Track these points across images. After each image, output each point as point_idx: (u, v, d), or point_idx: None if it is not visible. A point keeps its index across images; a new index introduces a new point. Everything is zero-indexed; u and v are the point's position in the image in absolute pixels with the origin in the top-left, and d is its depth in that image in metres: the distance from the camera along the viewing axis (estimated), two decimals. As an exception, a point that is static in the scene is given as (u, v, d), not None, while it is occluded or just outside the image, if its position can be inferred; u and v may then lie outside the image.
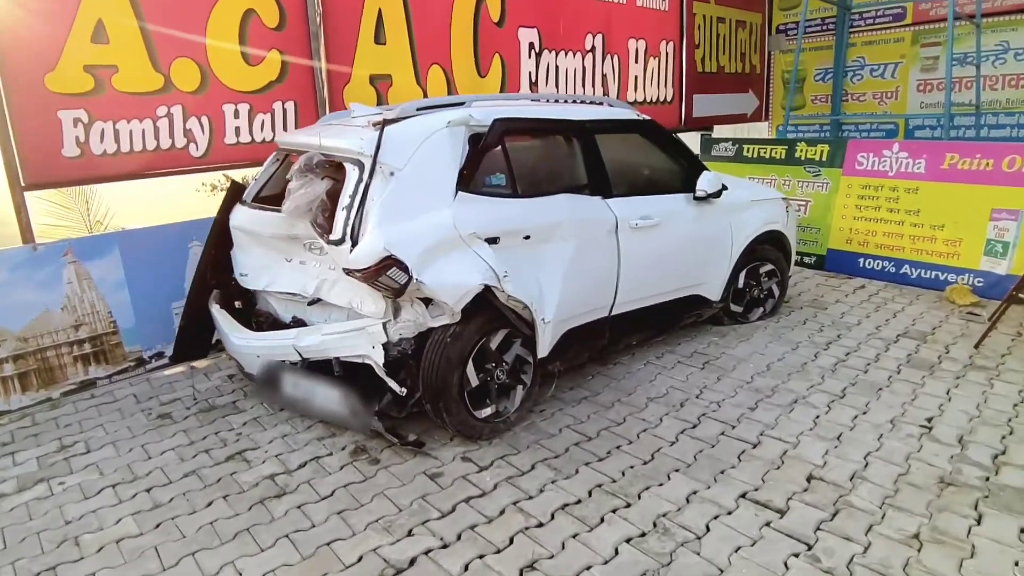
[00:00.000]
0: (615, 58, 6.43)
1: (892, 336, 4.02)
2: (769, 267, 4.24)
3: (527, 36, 5.61)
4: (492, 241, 2.71)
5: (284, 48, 4.27)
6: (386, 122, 2.64)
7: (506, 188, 2.82)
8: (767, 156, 6.03)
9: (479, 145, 2.72)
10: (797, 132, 8.00)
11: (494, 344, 2.86)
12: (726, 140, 6.41)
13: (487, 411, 2.89)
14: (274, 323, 3.22)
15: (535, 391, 3.11)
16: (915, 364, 3.60)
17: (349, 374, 2.82)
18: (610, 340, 3.49)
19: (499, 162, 2.80)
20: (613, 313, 3.37)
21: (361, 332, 2.71)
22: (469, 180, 2.67)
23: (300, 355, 2.82)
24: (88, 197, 5.13)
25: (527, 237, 2.81)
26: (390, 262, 2.48)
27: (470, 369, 2.78)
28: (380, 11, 4.64)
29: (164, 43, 3.81)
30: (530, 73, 5.68)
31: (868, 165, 5.36)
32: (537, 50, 5.71)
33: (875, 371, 3.52)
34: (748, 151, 6.18)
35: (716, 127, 7.86)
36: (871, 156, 5.35)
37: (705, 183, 3.53)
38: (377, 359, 2.69)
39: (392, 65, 4.79)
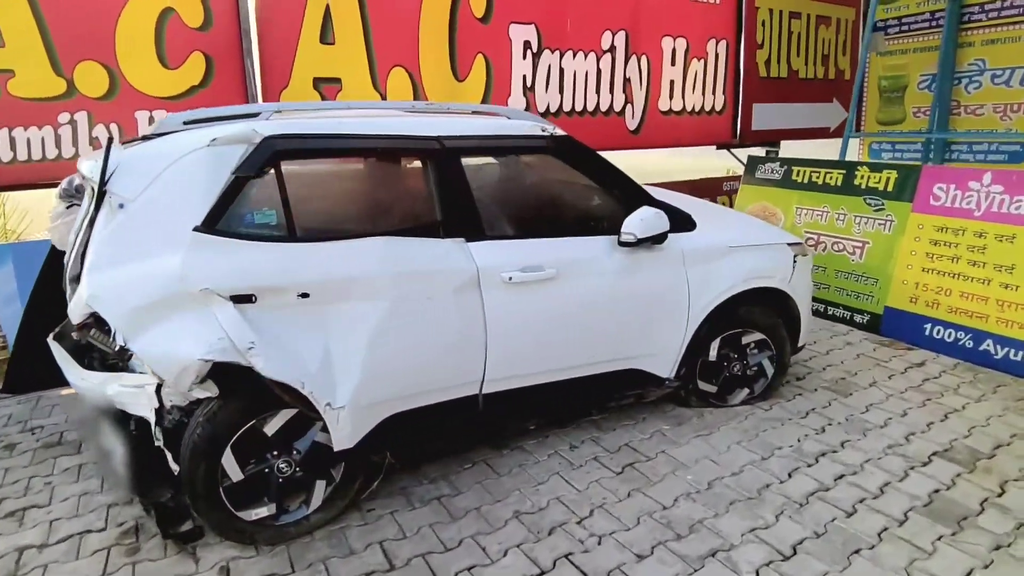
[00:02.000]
0: (643, 59, 5.45)
1: (924, 454, 2.80)
2: (757, 336, 3.16)
3: (521, 33, 4.83)
4: (245, 299, 2.02)
5: (209, 49, 3.86)
6: (134, 140, 2.06)
7: (276, 229, 2.11)
8: (820, 182, 4.77)
9: (237, 172, 2.04)
10: (894, 152, 6.48)
11: (272, 429, 2.19)
12: (773, 160, 5.20)
13: (261, 511, 2.22)
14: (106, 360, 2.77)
15: (353, 488, 2.39)
16: (936, 513, 2.41)
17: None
18: (488, 423, 2.67)
19: (270, 194, 2.10)
20: (488, 391, 2.55)
21: (141, 391, 2.16)
22: (217, 218, 2.01)
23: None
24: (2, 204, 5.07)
25: (304, 295, 2.09)
26: (91, 320, 1.89)
27: (228, 460, 2.13)
28: (328, 5, 4.10)
29: (67, 45, 3.52)
30: (525, 77, 4.90)
31: (947, 200, 4.00)
32: (535, 50, 4.91)
33: (865, 515, 2.39)
34: (798, 175, 4.94)
35: (784, 142, 6.56)
36: (952, 189, 3.98)
37: (635, 224, 2.58)
38: (154, 425, 2.13)
39: (342, 67, 4.23)
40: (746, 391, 3.26)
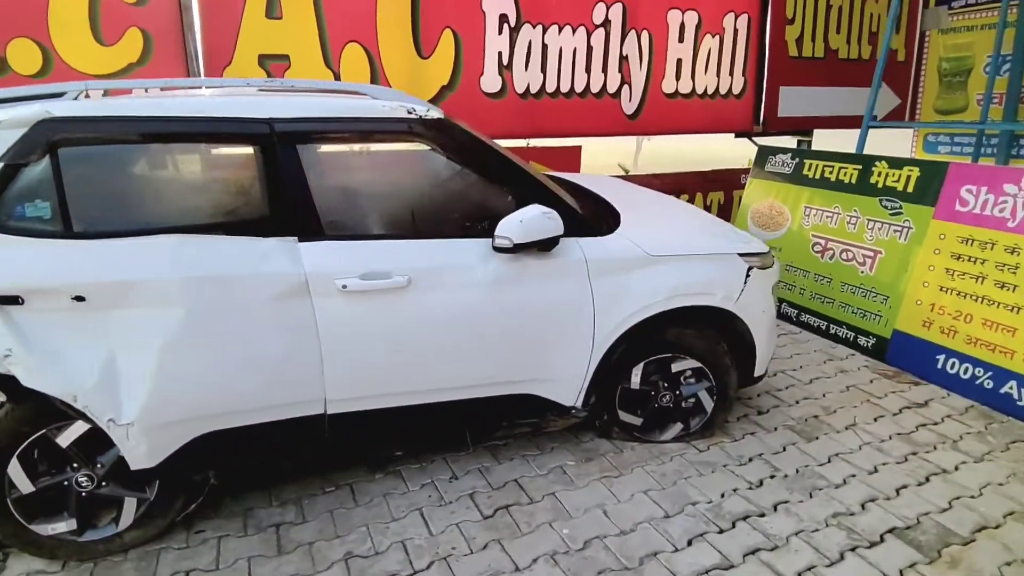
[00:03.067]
0: (643, 35, 4.87)
1: (877, 530, 2.22)
2: (692, 364, 2.64)
3: (496, 5, 4.38)
4: (10, 301, 1.77)
5: (147, 25, 3.67)
6: None
7: (49, 223, 1.84)
8: (832, 178, 4.08)
9: (5, 158, 1.79)
10: (953, 146, 5.57)
11: (66, 440, 1.95)
12: (784, 152, 4.52)
13: (59, 526, 2.01)
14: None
15: (173, 507, 2.14)
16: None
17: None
18: (343, 446, 2.35)
19: (45, 184, 1.83)
20: (335, 412, 2.21)
21: None
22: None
23: None
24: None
25: (79, 298, 1.81)
26: None
27: (15, 470, 1.92)
28: (274, -23, 3.83)
29: (-2, 20, 3.43)
30: (500, 54, 4.45)
31: (976, 206, 3.27)
32: (513, 24, 4.45)
33: (762, 606, 1.89)
34: (809, 169, 4.26)
35: (820, 133, 5.77)
36: (983, 192, 3.25)
37: (512, 227, 2.14)
38: None
39: (290, 43, 3.96)
40: (679, 427, 2.76)
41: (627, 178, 5.30)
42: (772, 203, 4.50)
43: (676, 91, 5.10)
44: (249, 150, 2.05)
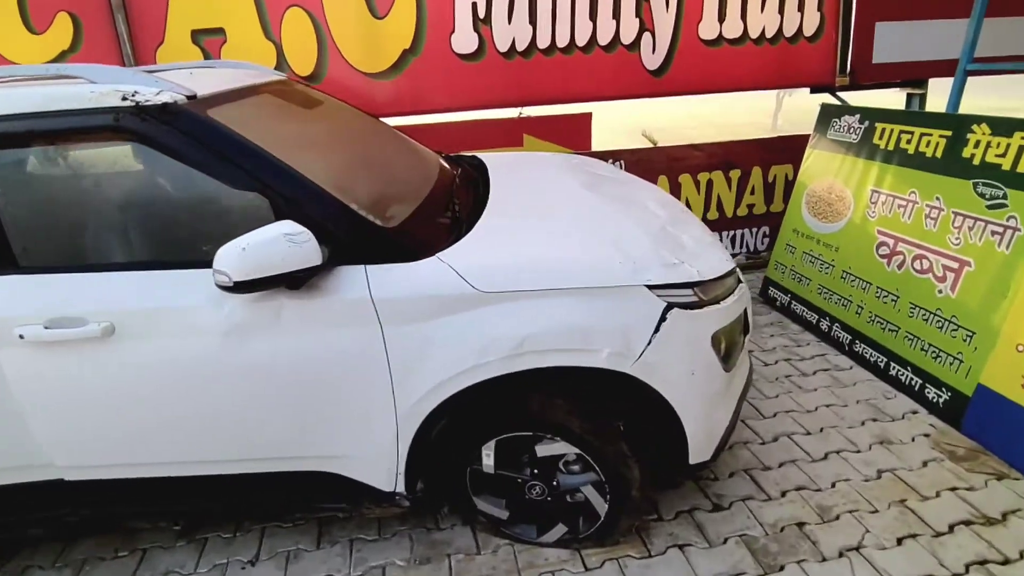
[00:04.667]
0: (671, -34, 3.76)
1: None
2: (569, 451, 1.80)
3: (467, -53, 3.57)
4: None
5: (75, 8, 3.40)
6: None
7: None
8: (910, 149, 2.81)
9: None
10: None
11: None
12: (852, 112, 3.24)
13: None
14: None
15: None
16: None
17: None
18: (89, 516, 1.89)
19: None
20: (76, 478, 1.76)
21: None
22: None
23: None
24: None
25: None
26: None
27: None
28: (197, -62, 3.37)
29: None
30: (475, 5, 3.64)
31: None
32: (490, -33, 3.61)
33: None
34: (882, 137, 2.99)
35: (937, 82, 4.21)
36: None
37: (231, 258, 1.45)
38: None
39: (224, 14, 3.49)
40: (564, 528, 1.93)
41: (655, 150, 4.25)
42: (832, 184, 3.28)
43: (719, 36, 3.92)
44: None
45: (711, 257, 1.91)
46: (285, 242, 1.49)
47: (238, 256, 1.47)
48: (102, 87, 1.65)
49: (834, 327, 3.11)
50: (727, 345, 1.86)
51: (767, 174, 4.22)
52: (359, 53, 3.64)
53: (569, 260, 1.74)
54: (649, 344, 1.70)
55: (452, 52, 3.70)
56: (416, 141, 2.91)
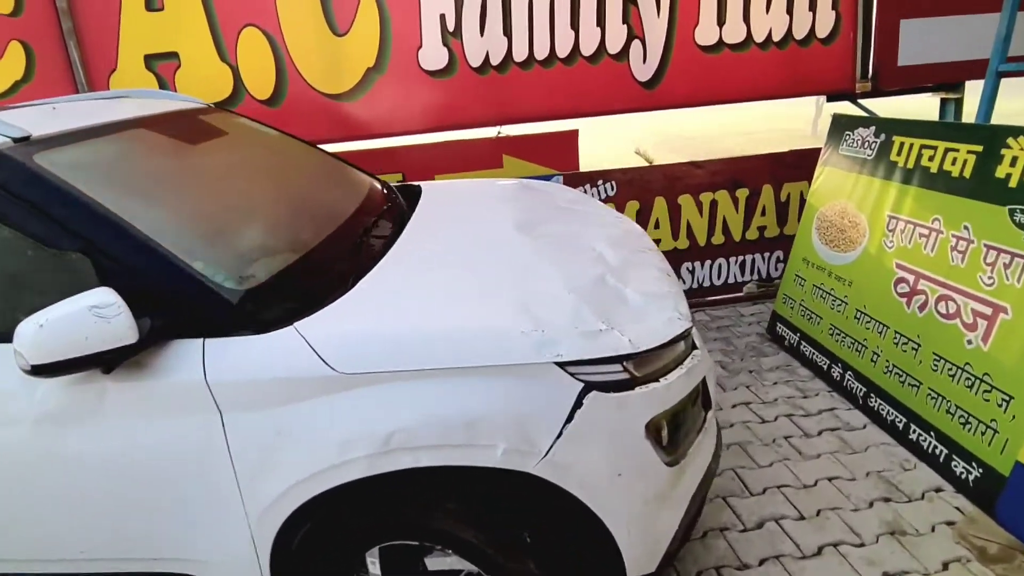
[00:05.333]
0: (662, -35, 3.38)
1: None
2: (465, 567, 1.44)
3: (433, -46, 3.28)
4: None
5: (26, 36, 3.26)
6: None
7: None
8: (933, 168, 2.35)
9: None
10: None
11: None
12: (866, 123, 2.79)
13: None
14: None
15: None
16: None
17: None
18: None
19: None
20: None
21: None
22: None
23: None
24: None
25: None
26: None
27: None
28: (147, -40, 3.18)
29: None
30: (443, 17, 3.34)
31: None
32: (459, -24, 3.31)
33: None
34: (901, 152, 2.53)
35: (974, 85, 3.68)
36: None
37: (25, 338, 1.18)
38: None
39: (177, 37, 3.29)
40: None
41: (649, 169, 3.85)
42: (845, 207, 2.83)
43: (719, 41, 3.51)
44: None
45: (654, 318, 1.53)
46: (91, 316, 1.20)
47: (34, 334, 1.19)
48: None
49: (847, 376, 2.66)
50: (672, 431, 1.48)
51: (779, 192, 3.77)
52: (320, 73, 3.39)
53: (455, 331, 1.39)
54: (559, 438, 1.34)
55: (420, 69, 3.41)
56: (363, 170, 2.63)
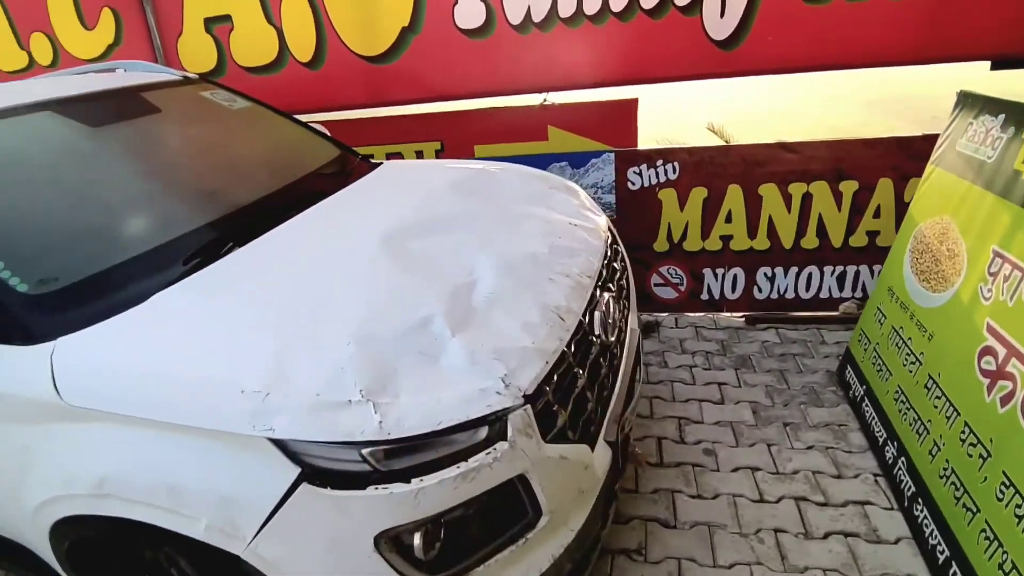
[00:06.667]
0: None
1: None
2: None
3: None
4: None
5: (115, 4, 3.54)
6: None
7: None
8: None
9: None
10: None
11: None
12: (996, 106, 1.88)
13: None
14: None
15: None
16: None
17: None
18: None
19: None
20: None
21: None
22: None
23: None
24: None
25: None
26: None
27: None
28: (202, -79, 3.21)
29: (21, 19, 3.74)
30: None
31: None
32: (499, -83, 2.85)
33: None
34: (1029, 158, 1.67)
35: None
36: None
37: None
38: None
39: (230, 1, 3.33)
40: None
41: (724, 150, 3.11)
42: (947, 227, 2.00)
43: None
44: None
45: (456, 390, 1.15)
46: None
47: None
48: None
49: (899, 462, 1.93)
50: (440, 542, 1.12)
51: (901, 189, 2.83)
52: (356, 34, 3.22)
53: (182, 379, 1.16)
54: (264, 527, 1.07)
55: (455, 28, 3.07)
56: (341, 145, 2.45)
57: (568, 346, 1.40)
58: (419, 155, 3.48)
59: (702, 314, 3.30)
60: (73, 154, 1.74)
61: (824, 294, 3.10)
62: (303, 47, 3.31)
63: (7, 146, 1.65)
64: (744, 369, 2.76)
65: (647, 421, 2.46)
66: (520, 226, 1.77)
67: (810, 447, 2.20)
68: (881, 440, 2.08)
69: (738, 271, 3.17)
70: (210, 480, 1.10)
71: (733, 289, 3.22)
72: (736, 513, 1.95)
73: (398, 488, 1.06)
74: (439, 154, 3.46)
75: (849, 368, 2.46)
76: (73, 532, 1.28)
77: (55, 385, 1.19)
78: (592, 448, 1.42)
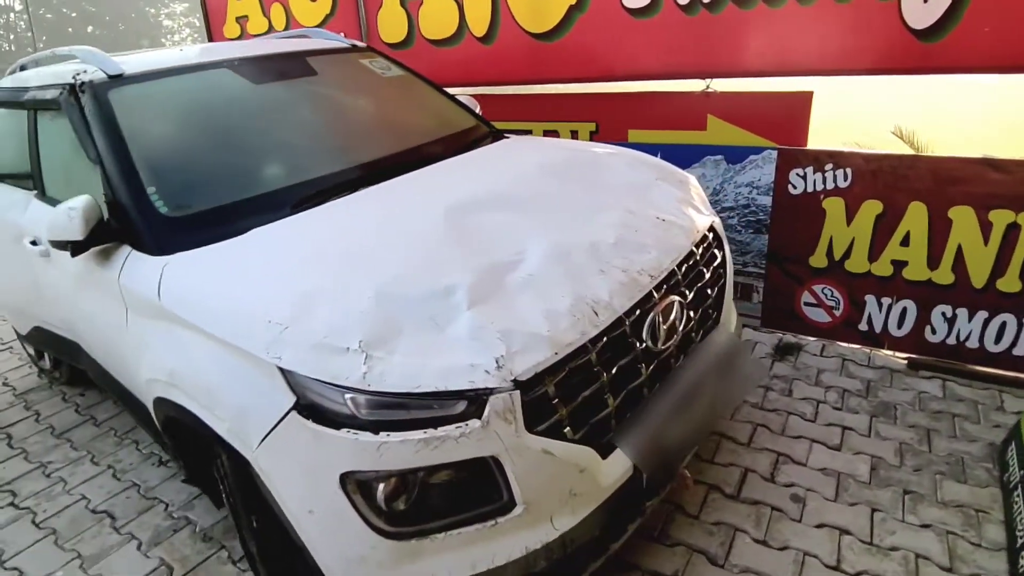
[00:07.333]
0: None
1: None
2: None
3: None
4: None
5: (328, -21, 4.05)
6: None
7: None
8: None
9: None
10: None
11: None
12: None
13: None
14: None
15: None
16: None
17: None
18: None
19: None
20: None
21: None
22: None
23: None
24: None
25: None
26: None
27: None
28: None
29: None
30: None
31: None
32: None
33: None
34: None
35: None
36: None
37: (45, 220, 1.70)
38: None
39: (423, -31, 3.59)
40: None
41: (911, 160, 2.59)
42: None
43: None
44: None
45: (444, 360, 1.19)
46: (64, 215, 1.62)
47: (49, 219, 1.66)
48: (72, 67, 2.02)
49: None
50: (402, 499, 1.17)
51: None
52: (527, 11, 3.29)
53: (233, 299, 1.37)
54: (263, 441, 1.23)
55: (621, 6, 2.98)
56: (474, 114, 2.56)
57: (593, 342, 1.34)
58: (574, 135, 3.47)
59: (856, 346, 2.85)
60: (233, 105, 2.07)
61: (1020, 351, 2.49)
62: (479, 21, 3.46)
63: (184, 96, 2.02)
64: (883, 418, 2.35)
65: (740, 448, 2.23)
66: (597, 214, 1.71)
67: (926, 526, 1.83)
68: (1020, 542, 1.65)
69: (909, 304, 2.67)
70: (234, 390, 1.29)
71: (900, 324, 2.72)
72: (799, 573, 1.70)
73: (364, 436, 1.14)
74: (593, 136, 3.41)
75: (1013, 445, 1.97)
76: (162, 410, 1.58)
77: (159, 290, 1.47)
78: (603, 454, 1.35)
